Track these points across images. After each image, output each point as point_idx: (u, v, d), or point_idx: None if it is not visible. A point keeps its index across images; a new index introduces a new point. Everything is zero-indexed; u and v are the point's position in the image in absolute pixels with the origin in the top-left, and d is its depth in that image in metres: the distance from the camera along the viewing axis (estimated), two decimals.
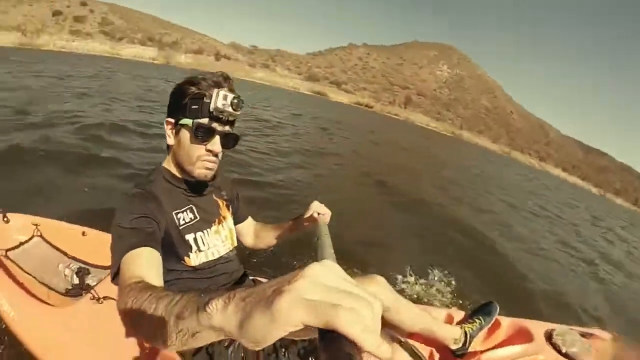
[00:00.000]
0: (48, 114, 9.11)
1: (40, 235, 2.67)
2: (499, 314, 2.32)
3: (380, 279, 1.71)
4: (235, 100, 1.27)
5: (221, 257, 1.55)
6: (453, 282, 4.57)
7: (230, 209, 1.72)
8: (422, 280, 4.44)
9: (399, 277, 4.39)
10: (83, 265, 2.55)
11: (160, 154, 6.73)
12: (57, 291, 2.29)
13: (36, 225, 2.67)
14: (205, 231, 1.50)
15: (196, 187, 1.52)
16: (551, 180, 59.71)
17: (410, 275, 4.44)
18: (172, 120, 1.36)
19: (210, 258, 1.50)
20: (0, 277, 2.04)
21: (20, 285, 2.11)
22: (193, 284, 1.46)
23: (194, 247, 1.43)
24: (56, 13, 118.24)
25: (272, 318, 0.41)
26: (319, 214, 1.59)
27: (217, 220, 1.58)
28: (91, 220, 2.85)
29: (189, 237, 1.42)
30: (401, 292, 3.97)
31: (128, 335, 1.43)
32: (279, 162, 9.54)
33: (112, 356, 1.62)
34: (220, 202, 1.65)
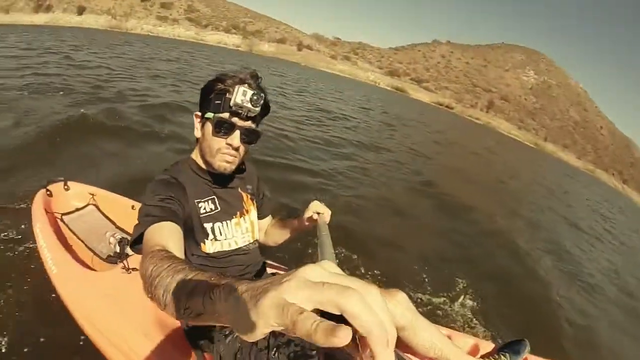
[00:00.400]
0: (120, 91, 9.96)
1: (95, 204, 2.93)
2: (530, 353, 2.14)
3: (401, 295, 1.54)
4: (255, 97, 1.28)
5: (239, 248, 1.57)
6: (485, 307, 4.09)
7: (255, 203, 1.73)
8: (451, 299, 4.04)
9: (425, 290, 4.05)
10: (126, 236, 2.69)
11: None
12: (99, 257, 2.48)
13: (92, 194, 2.95)
14: (224, 222, 1.53)
15: (220, 179, 1.55)
16: (630, 205, 53.08)
17: (439, 293, 4.07)
18: (200, 114, 1.42)
19: (226, 248, 1.53)
20: (52, 237, 2.27)
21: (68, 246, 2.36)
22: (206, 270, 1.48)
23: (211, 236, 1.47)
24: None
25: (257, 315, 0.43)
26: (318, 213, 1.56)
27: (238, 213, 1.60)
28: (141, 195, 3.03)
29: (207, 225, 1.46)
30: (426, 308, 3.74)
31: (148, 300, 1.58)
32: (326, 151, 9.28)
33: (130, 323, 1.71)
34: (245, 195, 1.67)
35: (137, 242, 1.17)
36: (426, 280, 4.19)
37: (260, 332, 0.44)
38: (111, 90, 9.84)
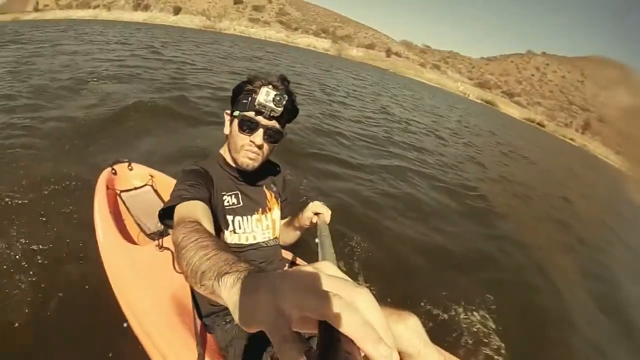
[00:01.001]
0: (197, 84, 10.87)
1: (152, 185, 3.12)
2: None
3: (412, 320, 1.54)
4: (278, 98, 1.34)
5: (257, 243, 1.61)
6: (506, 330, 3.53)
7: (279, 202, 1.77)
8: (470, 313, 3.60)
9: (448, 299, 3.67)
10: None
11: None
12: (145, 233, 2.63)
13: (152, 176, 3.16)
14: (245, 217, 1.58)
15: (246, 175, 1.61)
16: None
17: (462, 304, 3.66)
18: (229, 112, 1.49)
19: (243, 242, 1.57)
20: (106, 209, 2.50)
21: (119, 220, 2.62)
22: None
23: (230, 227, 1.52)
24: (237, 1, 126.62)
25: (253, 316, 0.46)
26: (318, 213, 1.57)
27: (261, 210, 1.65)
28: None
29: (229, 217, 1.52)
30: (443, 317, 3.41)
31: (168, 277, 1.82)
32: (376, 150, 8.88)
33: (148, 295, 1.84)
34: (269, 194, 1.72)
35: (167, 217, 1.28)
36: (450, 288, 3.84)
37: (254, 329, 0.47)
38: (188, 83, 10.84)
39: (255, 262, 1.49)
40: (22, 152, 4.51)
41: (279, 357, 0.41)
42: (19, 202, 3.40)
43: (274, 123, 1.43)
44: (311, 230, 1.60)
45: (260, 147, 1.45)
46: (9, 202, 3.37)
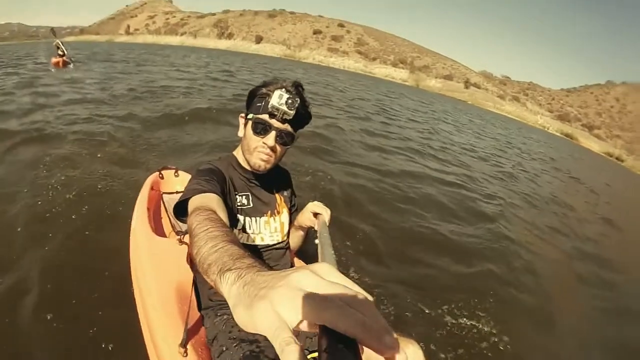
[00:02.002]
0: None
1: None
2: None
3: (412, 349, 1.46)
4: (290, 101, 1.37)
5: (266, 245, 1.63)
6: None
7: (289, 206, 1.80)
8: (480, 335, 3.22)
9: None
10: None
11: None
12: (176, 231, 2.70)
13: None
14: (255, 218, 1.61)
15: (257, 178, 1.64)
16: None
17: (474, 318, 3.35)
18: (244, 115, 1.53)
19: (251, 242, 1.59)
20: (144, 205, 2.73)
21: (156, 217, 2.86)
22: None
23: (239, 226, 1.55)
24: (316, 32, 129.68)
25: (251, 318, 0.46)
26: (317, 214, 1.58)
27: (270, 212, 1.68)
28: None
29: (240, 217, 1.55)
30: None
31: (178, 270, 1.96)
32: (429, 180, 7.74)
33: (161, 281, 1.95)
34: (279, 197, 1.75)
35: (181, 213, 1.30)
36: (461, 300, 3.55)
37: (250, 330, 0.47)
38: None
39: (267, 264, 1.55)
40: (95, 143, 5.64)
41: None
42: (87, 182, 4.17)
43: (286, 126, 1.46)
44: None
45: (272, 149, 1.48)
46: (80, 178, 4.27)
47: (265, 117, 1.43)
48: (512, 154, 16.41)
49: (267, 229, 1.65)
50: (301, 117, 1.49)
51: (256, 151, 1.49)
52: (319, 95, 17.19)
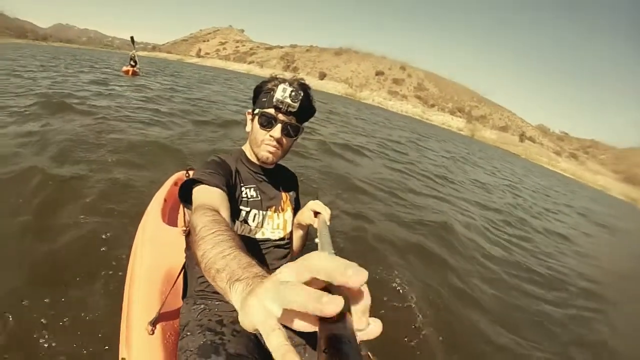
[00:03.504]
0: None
1: None
2: None
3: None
4: (293, 93, 1.42)
5: (267, 240, 1.64)
6: None
7: (293, 205, 1.80)
8: None
9: None
10: None
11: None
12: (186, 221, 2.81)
13: None
14: (259, 211, 1.62)
15: (265, 173, 1.69)
16: None
17: None
18: (251, 111, 1.59)
19: (252, 235, 1.61)
20: (162, 197, 2.88)
21: (175, 209, 2.95)
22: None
23: (242, 217, 1.57)
24: (379, 73, 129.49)
25: (247, 317, 0.49)
26: (317, 213, 1.57)
27: (274, 208, 1.69)
28: None
29: (244, 209, 1.57)
30: None
31: (171, 259, 1.99)
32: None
33: (154, 265, 2.02)
34: (285, 195, 1.77)
35: (184, 198, 1.39)
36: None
37: (251, 329, 0.49)
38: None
39: (267, 259, 1.64)
40: (150, 142, 6.42)
41: (268, 347, 0.42)
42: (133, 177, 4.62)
43: (291, 118, 1.51)
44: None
45: (279, 141, 1.52)
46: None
47: (271, 110, 1.48)
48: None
49: (269, 224, 1.66)
50: (305, 109, 1.53)
51: (263, 144, 1.53)
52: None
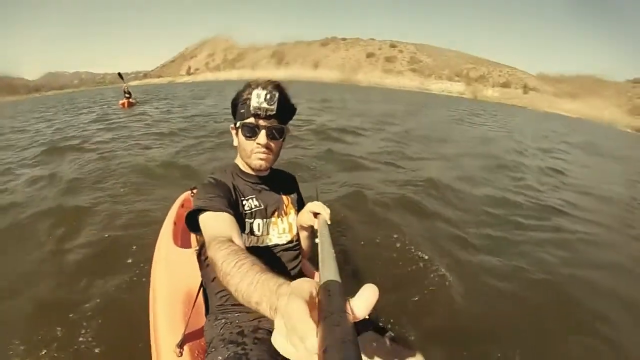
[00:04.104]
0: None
1: None
2: None
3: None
4: (268, 96, 1.41)
5: (274, 245, 1.65)
6: None
7: (296, 207, 1.79)
8: None
9: None
10: None
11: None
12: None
13: None
14: (263, 220, 1.63)
15: (262, 181, 1.70)
16: None
17: None
18: (233, 125, 1.60)
19: (260, 244, 1.62)
20: (171, 219, 2.96)
21: (184, 231, 2.94)
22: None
23: (247, 230, 1.58)
24: (369, 55, 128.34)
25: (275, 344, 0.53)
26: (317, 214, 1.53)
27: (277, 213, 1.69)
28: None
29: (248, 221, 1.58)
30: None
31: (186, 280, 2.05)
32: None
33: (172, 286, 2.10)
34: (286, 198, 1.77)
35: (193, 227, 1.41)
36: None
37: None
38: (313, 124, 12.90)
39: (276, 265, 1.63)
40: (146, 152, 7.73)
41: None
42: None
43: (273, 122, 1.50)
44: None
45: (267, 146, 1.53)
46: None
47: (251, 119, 1.48)
48: None
49: (275, 230, 1.67)
50: (285, 109, 1.53)
51: (253, 153, 1.55)
52: None
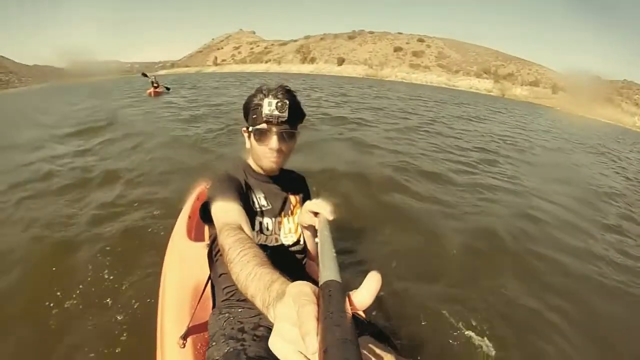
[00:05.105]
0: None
1: None
2: None
3: None
4: (279, 104, 1.49)
5: (280, 245, 1.72)
6: None
7: (303, 205, 1.72)
8: None
9: None
10: None
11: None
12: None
13: None
14: (271, 219, 1.71)
15: (272, 180, 1.78)
16: None
17: None
18: (245, 128, 1.68)
19: (267, 243, 1.69)
20: (187, 213, 3.06)
21: (198, 224, 3.06)
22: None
23: (256, 228, 1.66)
24: (397, 49, 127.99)
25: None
26: (317, 213, 1.43)
27: (283, 213, 1.77)
28: None
29: (258, 219, 1.68)
30: None
31: (197, 275, 2.16)
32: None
33: (182, 278, 2.22)
34: (294, 198, 1.84)
35: (206, 219, 1.55)
36: None
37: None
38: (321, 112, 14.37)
39: (281, 264, 1.50)
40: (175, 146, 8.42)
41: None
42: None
43: (284, 127, 1.59)
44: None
45: (278, 151, 1.61)
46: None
47: (263, 125, 1.57)
48: None
49: (281, 230, 1.74)
50: (295, 114, 1.61)
51: (265, 157, 1.64)
52: None
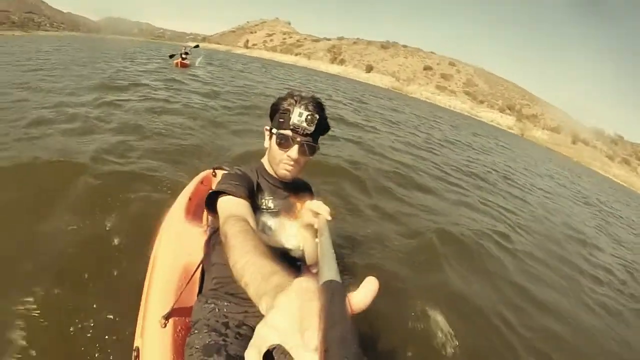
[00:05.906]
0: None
1: None
2: None
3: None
4: (309, 117, 1.51)
5: (283, 247, 1.69)
6: None
7: None
8: None
9: None
10: None
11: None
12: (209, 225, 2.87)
13: None
14: (275, 221, 1.69)
15: (282, 185, 1.79)
16: None
17: None
18: (268, 128, 1.68)
19: (270, 245, 1.50)
20: (187, 196, 2.97)
21: (197, 209, 2.94)
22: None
23: (260, 227, 1.62)
24: (427, 68, 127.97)
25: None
26: (316, 214, 1.44)
27: (287, 217, 1.73)
28: None
29: (264, 218, 1.66)
30: None
31: (191, 257, 2.09)
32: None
33: (173, 259, 2.14)
34: (298, 204, 1.73)
35: (209, 207, 1.51)
36: None
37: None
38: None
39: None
40: (177, 129, 7.54)
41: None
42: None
43: (307, 139, 1.60)
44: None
45: (296, 160, 1.63)
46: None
47: (288, 132, 1.57)
48: None
49: (283, 233, 1.72)
50: (321, 129, 1.63)
51: (281, 163, 1.65)
52: None
